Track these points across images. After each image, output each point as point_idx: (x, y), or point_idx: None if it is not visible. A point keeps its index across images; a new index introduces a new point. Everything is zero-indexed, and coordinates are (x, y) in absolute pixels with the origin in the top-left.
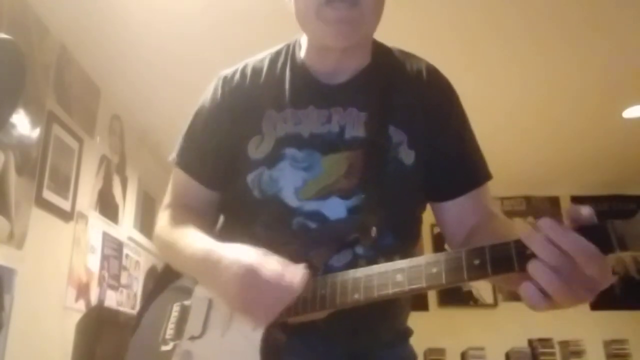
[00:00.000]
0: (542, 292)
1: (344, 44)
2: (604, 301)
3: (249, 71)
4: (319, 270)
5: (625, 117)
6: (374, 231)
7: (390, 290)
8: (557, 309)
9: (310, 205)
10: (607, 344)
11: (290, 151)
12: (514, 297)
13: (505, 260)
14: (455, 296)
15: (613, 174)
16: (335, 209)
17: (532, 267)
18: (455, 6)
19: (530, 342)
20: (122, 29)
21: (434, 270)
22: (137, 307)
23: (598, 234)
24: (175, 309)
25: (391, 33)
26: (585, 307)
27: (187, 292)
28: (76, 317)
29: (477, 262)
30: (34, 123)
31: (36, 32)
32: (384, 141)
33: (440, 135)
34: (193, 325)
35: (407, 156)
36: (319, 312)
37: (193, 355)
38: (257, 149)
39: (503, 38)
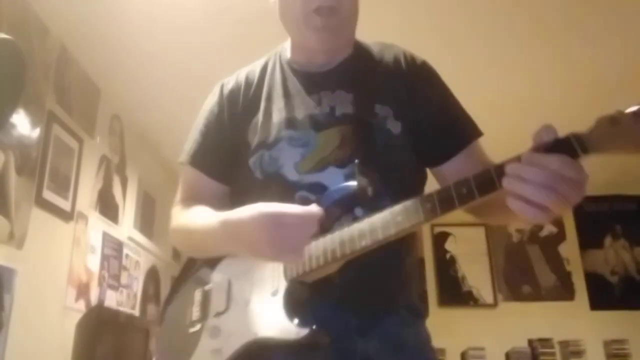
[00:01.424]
0: (530, 204)
1: (328, 47)
2: (604, 301)
3: (243, 75)
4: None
5: None
6: (370, 190)
7: (393, 230)
8: (552, 214)
9: (310, 178)
10: (607, 344)
11: (287, 132)
12: (514, 297)
13: (488, 183)
14: (455, 296)
15: (613, 174)
16: (333, 178)
17: (505, 180)
18: (458, 5)
19: (530, 342)
20: (122, 29)
21: (429, 205)
22: (137, 307)
23: (564, 146)
24: (198, 295)
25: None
26: (585, 307)
27: (206, 280)
28: (76, 317)
29: (464, 190)
30: (34, 123)
31: (36, 32)
32: (371, 117)
33: (425, 104)
34: (217, 303)
35: (395, 126)
36: (332, 265)
37: (221, 328)
38: (255, 136)
39: (505, 38)
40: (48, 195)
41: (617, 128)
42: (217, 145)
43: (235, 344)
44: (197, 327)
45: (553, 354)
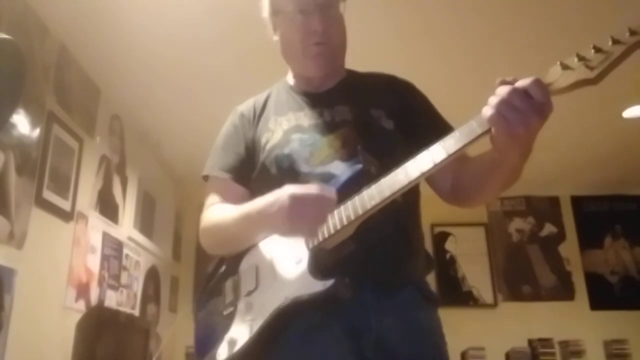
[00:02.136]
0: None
1: (324, 72)
2: (604, 301)
3: (252, 101)
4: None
5: (625, 117)
6: (373, 169)
7: (397, 186)
8: (518, 132)
9: (320, 169)
10: (607, 344)
11: (296, 135)
12: (514, 297)
13: (471, 132)
14: (455, 296)
15: (613, 174)
16: (340, 168)
17: (485, 110)
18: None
19: (530, 342)
20: (122, 29)
21: (424, 160)
22: (137, 307)
23: None
24: (229, 284)
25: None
26: (585, 307)
27: (235, 271)
28: (76, 317)
29: (452, 141)
30: (34, 123)
31: (36, 32)
32: (367, 118)
33: (411, 109)
34: (247, 284)
35: (388, 124)
36: (348, 228)
37: (253, 303)
38: (269, 141)
39: (502, 37)
40: (48, 195)
41: (568, 71)
42: (238, 156)
43: (267, 310)
44: (231, 309)
45: (553, 354)
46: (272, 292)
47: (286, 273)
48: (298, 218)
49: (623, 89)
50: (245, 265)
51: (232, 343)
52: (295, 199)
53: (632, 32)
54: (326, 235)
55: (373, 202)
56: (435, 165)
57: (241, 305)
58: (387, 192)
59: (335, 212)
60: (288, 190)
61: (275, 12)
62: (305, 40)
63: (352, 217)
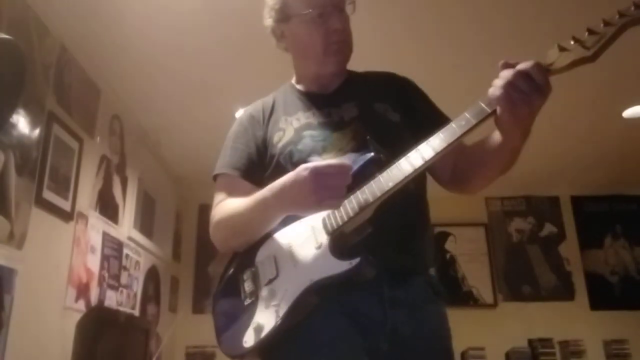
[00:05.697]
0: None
1: (340, 67)
2: (604, 301)
3: (259, 103)
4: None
5: (625, 117)
6: (383, 156)
7: (411, 169)
8: (522, 111)
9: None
10: (607, 344)
11: (308, 132)
12: (514, 297)
13: (480, 111)
14: (455, 296)
15: (613, 174)
16: (352, 159)
17: (492, 90)
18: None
19: (530, 342)
20: (122, 29)
21: (437, 141)
22: (137, 307)
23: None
24: (247, 275)
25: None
26: (585, 307)
27: (251, 264)
28: (76, 317)
29: (463, 122)
30: (34, 123)
31: (36, 32)
32: (373, 112)
33: (412, 101)
34: (267, 273)
35: (394, 116)
36: (366, 211)
37: (276, 290)
38: (281, 140)
39: (500, 37)
40: (48, 195)
41: (565, 52)
42: (247, 154)
43: (292, 294)
44: (252, 298)
45: (553, 354)
46: (295, 277)
47: (307, 258)
48: (322, 189)
49: (623, 89)
50: (261, 257)
51: (258, 329)
52: (316, 172)
53: (621, 15)
54: (345, 218)
55: (391, 184)
56: (450, 144)
57: (263, 293)
58: (405, 173)
59: (353, 196)
60: (307, 166)
61: (286, 17)
62: (327, 39)
63: (371, 199)
